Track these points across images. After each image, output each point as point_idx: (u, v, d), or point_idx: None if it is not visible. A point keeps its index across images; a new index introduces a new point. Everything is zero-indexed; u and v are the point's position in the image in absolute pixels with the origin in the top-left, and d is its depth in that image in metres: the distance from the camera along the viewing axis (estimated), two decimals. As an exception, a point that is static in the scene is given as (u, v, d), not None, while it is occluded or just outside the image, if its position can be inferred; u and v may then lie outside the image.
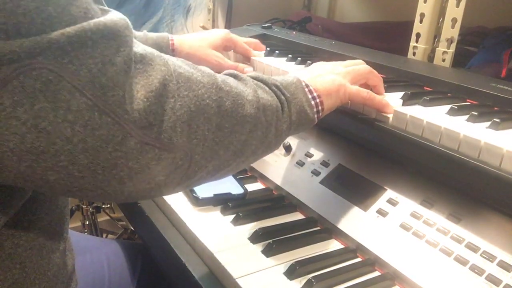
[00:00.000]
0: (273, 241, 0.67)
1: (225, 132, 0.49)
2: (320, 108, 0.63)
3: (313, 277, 0.61)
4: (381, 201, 0.71)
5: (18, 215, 0.48)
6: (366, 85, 0.74)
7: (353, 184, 0.76)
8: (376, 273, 0.65)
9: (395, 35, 1.28)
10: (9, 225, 0.48)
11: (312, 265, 0.64)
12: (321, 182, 0.80)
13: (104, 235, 1.67)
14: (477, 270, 0.57)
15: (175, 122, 0.43)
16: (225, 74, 0.56)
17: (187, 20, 1.71)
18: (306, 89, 0.62)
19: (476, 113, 0.64)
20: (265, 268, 0.63)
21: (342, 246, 0.70)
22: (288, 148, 0.89)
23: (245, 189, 0.83)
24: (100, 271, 0.81)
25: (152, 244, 0.79)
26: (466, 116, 0.65)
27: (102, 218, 1.68)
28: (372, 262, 0.66)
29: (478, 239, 0.60)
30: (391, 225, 0.67)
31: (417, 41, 0.99)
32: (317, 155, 0.85)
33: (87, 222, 1.53)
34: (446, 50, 0.95)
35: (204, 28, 1.67)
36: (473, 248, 0.59)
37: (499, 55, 0.99)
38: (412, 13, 0.99)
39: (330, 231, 0.73)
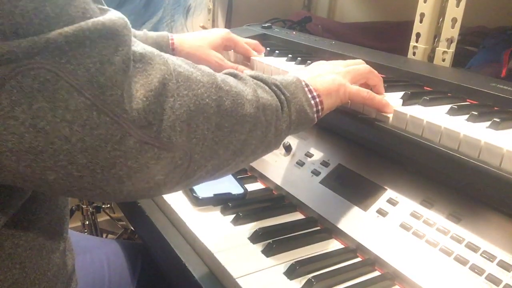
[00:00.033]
0: (273, 241, 0.67)
1: (224, 132, 0.49)
2: (319, 107, 0.63)
3: (313, 277, 0.60)
4: (381, 201, 0.71)
5: (18, 215, 0.48)
6: (366, 85, 0.73)
7: (353, 184, 0.76)
8: (376, 273, 0.65)
9: (395, 35, 1.28)
10: (9, 225, 0.48)
11: (312, 265, 0.64)
12: (321, 182, 0.79)
13: (104, 235, 1.67)
14: (477, 270, 0.57)
15: (175, 121, 0.43)
16: (225, 73, 0.56)
17: (187, 20, 1.71)
18: (306, 89, 0.62)
19: (476, 113, 0.64)
20: (265, 268, 0.63)
21: (342, 246, 0.70)
22: (288, 148, 0.89)
23: (245, 189, 0.83)
24: (100, 271, 0.81)
25: (152, 244, 0.79)
26: (466, 116, 0.65)
27: (102, 218, 1.68)
28: (372, 262, 0.66)
29: (478, 239, 0.60)
30: (391, 225, 0.67)
31: (417, 41, 0.99)
32: (317, 155, 0.85)
33: (87, 222, 1.53)
34: (446, 50, 0.95)
35: (204, 28, 1.67)
36: (473, 248, 0.59)
37: (499, 55, 0.99)
38: (412, 13, 0.99)
39: (330, 231, 0.73)
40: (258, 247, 0.67)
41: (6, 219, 0.47)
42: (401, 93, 0.75)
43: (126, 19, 0.42)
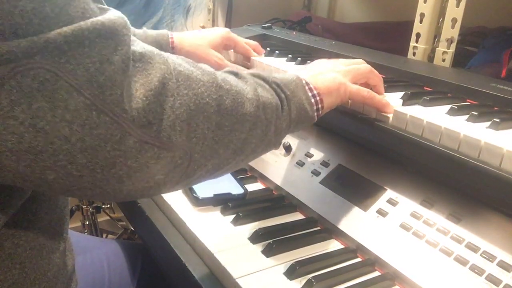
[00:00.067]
0: (273, 241, 0.67)
1: (224, 131, 0.49)
2: (320, 106, 0.63)
3: (313, 277, 0.60)
4: (381, 201, 0.71)
5: (18, 215, 0.48)
6: (366, 85, 0.73)
7: (353, 184, 0.76)
8: (376, 273, 0.65)
9: (395, 35, 1.28)
10: (9, 225, 0.47)
11: (312, 265, 0.64)
12: (321, 182, 0.79)
13: (104, 235, 1.67)
14: (477, 270, 0.57)
15: (175, 120, 0.43)
16: (225, 72, 0.56)
17: (187, 20, 1.71)
18: (306, 87, 0.62)
19: (476, 113, 0.64)
20: (265, 268, 0.63)
21: (342, 246, 0.70)
22: (288, 148, 0.89)
23: (245, 189, 0.83)
24: (100, 271, 0.81)
25: (152, 244, 0.79)
26: (466, 116, 0.65)
27: (102, 218, 1.68)
28: (372, 262, 0.66)
29: (478, 239, 0.60)
30: (391, 225, 0.67)
31: (417, 41, 0.99)
32: (317, 155, 0.85)
33: (87, 222, 1.53)
34: (446, 50, 0.95)
35: (204, 28, 1.67)
36: (473, 248, 0.59)
37: (499, 55, 0.99)
38: (412, 13, 0.99)
39: (330, 231, 0.73)
40: (258, 247, 0.67)
41: (6, 219, 0.46)
42: (401, 93, 0.75)
43: (126, 19, 0.42)
